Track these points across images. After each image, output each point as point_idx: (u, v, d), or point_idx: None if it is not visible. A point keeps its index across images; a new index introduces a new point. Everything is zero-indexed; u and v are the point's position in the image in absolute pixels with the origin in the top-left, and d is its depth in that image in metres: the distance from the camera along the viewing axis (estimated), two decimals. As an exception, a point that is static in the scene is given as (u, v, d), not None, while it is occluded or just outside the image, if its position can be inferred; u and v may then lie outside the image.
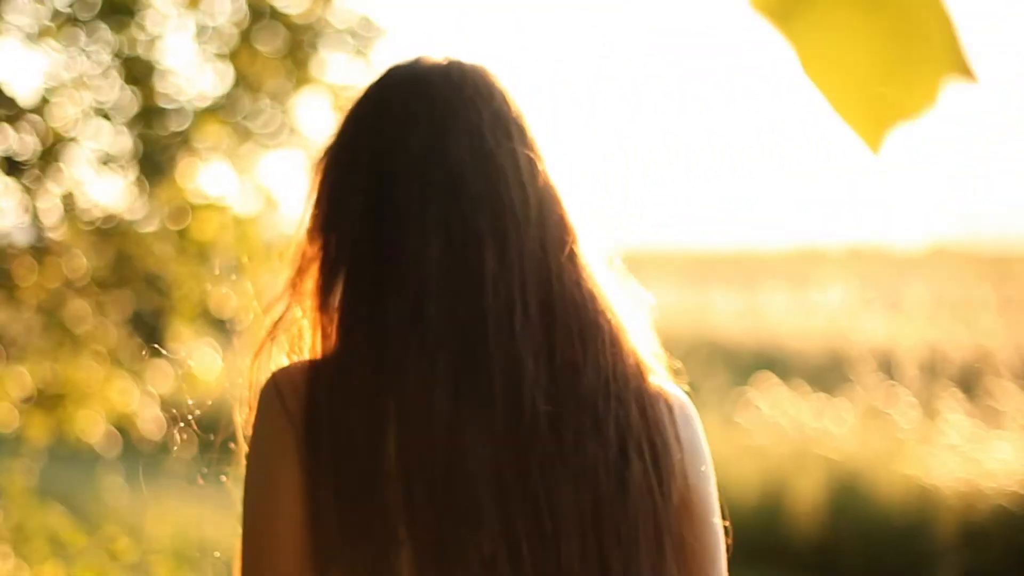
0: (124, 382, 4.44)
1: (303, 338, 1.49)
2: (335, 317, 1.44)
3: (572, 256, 1.44)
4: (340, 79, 4.36)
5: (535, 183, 1.44)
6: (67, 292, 4.09)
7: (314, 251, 1.47)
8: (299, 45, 4.27)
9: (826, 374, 10.46)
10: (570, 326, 1.41)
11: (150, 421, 4.48)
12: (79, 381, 4.40)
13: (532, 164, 1.44)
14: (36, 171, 3.68)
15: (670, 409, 1.45)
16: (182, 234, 3.90)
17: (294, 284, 1.48)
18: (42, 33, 3.94)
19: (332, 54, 4.38)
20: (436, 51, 1.53)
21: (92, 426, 4.74)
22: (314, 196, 1.49)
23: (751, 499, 8.39)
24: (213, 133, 4.04)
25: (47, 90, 3.92)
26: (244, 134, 4.27)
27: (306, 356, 1.48)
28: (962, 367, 10.43)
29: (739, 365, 11.06)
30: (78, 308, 4.17)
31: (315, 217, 1.48)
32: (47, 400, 4.71)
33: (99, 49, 4.04)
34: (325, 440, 1.37)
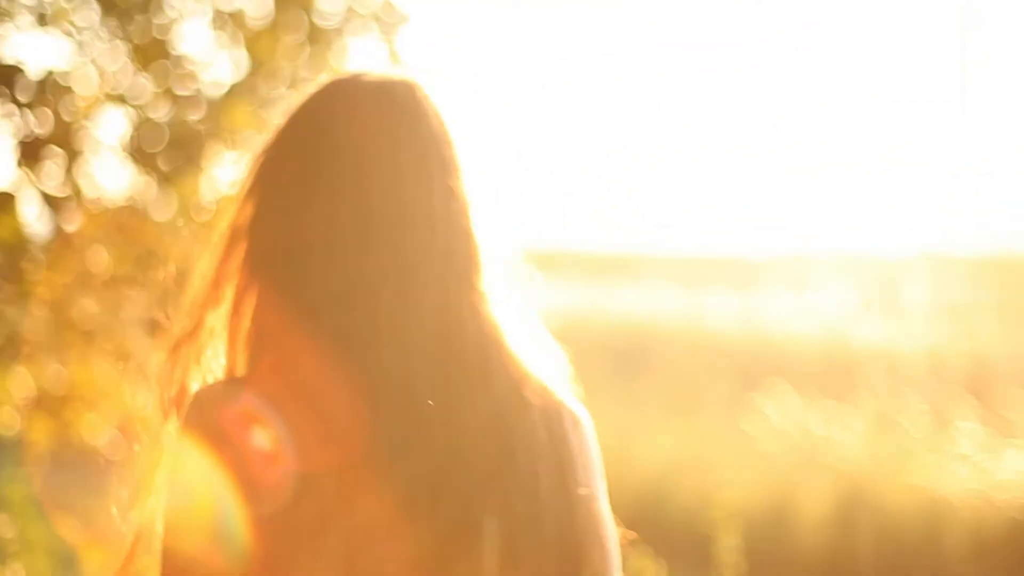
0: (138, 384, 4.24)
1: (215, 349, 1.53)
2: (249, 332, 1.49)
3: (475, 288, 1.48)
4: (362, 66, 4.17)
5: (448, 214, 1.48)
6: (81, 288, 3.90)
7: (233, 258, 1.51)
8: (320, 31, 4.10)
9: (833, 380, 10.30)
10: (468, 359, 1.45)
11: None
12: (89, 382, 4.20)
13: (448, 194, 1.49)
14: (52, 159, 3.47)
15: (574, 425, 1.50)
16: (206, 226, 3.70)
17: (213, 290, 1.52)
18: (56, 15, 3.76)
19: (354, 40, 4.22)
20: (377, 67, 1.57)
21: (97, 429, 4.55)
22: (241, 198, 1.53)
23: (758, 508, 8.22)
24: (239, 120, 3.85)
25: (61, 74, 3.73)
26: (260, 123, 4.08)
27: (217, 367, 1.53)
28: (971, 374, 10.30)
29: (742, 370, 10.90)
30: (91, 305, 3.98)
31: (239, 220, 1.52)
32: (52, 402, 4.53)
33: (114, 32, 3.86)
34: (246, 458, 1.40)
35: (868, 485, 8.22)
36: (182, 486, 1.45)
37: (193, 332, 1.53)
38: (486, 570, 1.40)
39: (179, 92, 3.89)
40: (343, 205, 1.47)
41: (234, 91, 3.96)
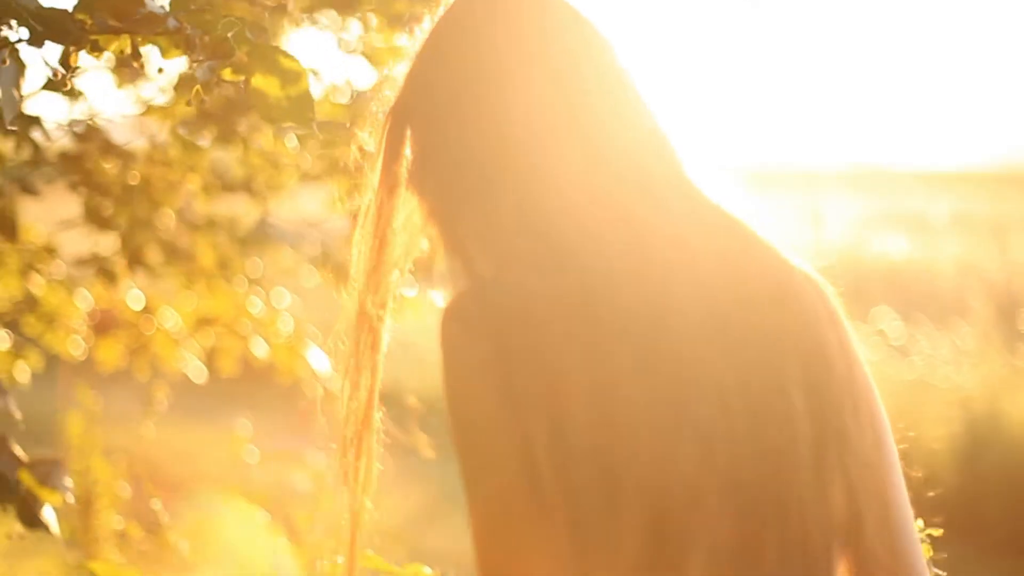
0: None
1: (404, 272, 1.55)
2: (482, 244, 1.43)
3: (685, 174, 1.47)
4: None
5: (630, 107, 1.48)
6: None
7: (430, 186, 1.49)
8: None
9: (940, 303, 9.54)
10: (719, 223, 1.43)
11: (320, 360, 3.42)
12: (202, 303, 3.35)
13: (625, 88, 1.49)
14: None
15: (831, 293, 1.47)
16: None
17: (385, 225, 1.51)
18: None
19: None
20: None
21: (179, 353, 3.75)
22: (395, 130, 1.51)
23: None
24: None
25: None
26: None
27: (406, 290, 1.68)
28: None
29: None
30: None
31: (418, 161, 1.50)
32: (129, 321, 3.74)
33: None
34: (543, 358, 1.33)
35: (998, 413, 7.43)
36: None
37: (378, 264, 1.52)
38: (793, 409, 1.36)
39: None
40: (514, 111, 1.45)
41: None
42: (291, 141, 2.65)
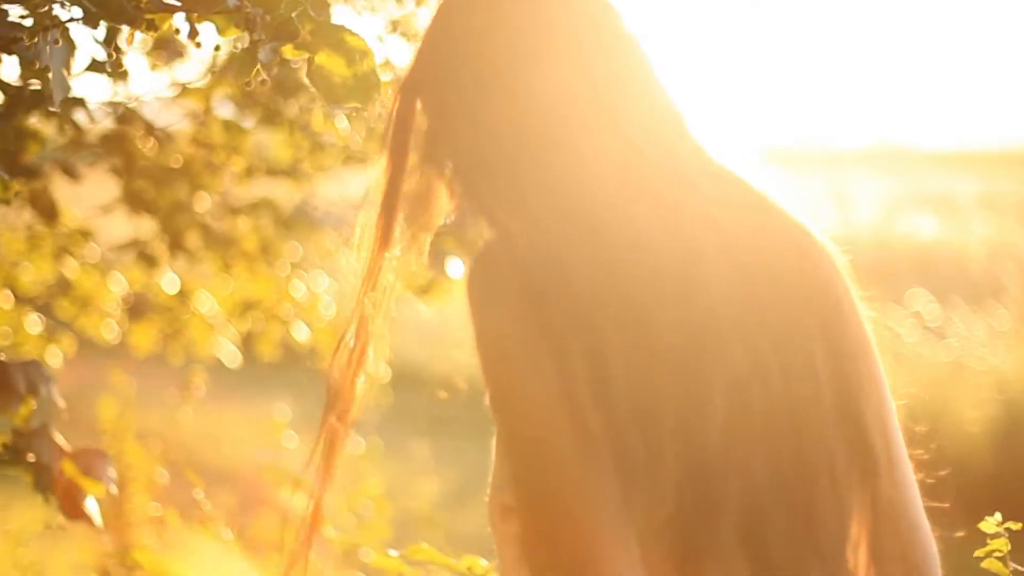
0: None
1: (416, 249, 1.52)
2: (508, 212, 1.41)
3: (692, 137, 1.49)
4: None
5: (641, 80, 1.49)
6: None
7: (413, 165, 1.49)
8: None
9: (974, 285, 9.43)
10: (742, 197, 1.46)
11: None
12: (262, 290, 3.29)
13: (636, 61, 1.49)
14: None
15: (840, 258, 1.50)
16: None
17: (393, 195, 1.50)
18: None
19: None
20: None
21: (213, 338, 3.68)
22: (407, 105, 1.50)
23: (905, 420, 7.34)
24: None
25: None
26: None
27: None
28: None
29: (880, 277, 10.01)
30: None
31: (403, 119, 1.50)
32: (163, 305, 3.67)
33: None
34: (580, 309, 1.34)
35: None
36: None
37: (386, 235, 1.50)
38: (816, 366, 1.40)
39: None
40: (532, 83, 1.44)
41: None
42: (341, 122, 2.60)
